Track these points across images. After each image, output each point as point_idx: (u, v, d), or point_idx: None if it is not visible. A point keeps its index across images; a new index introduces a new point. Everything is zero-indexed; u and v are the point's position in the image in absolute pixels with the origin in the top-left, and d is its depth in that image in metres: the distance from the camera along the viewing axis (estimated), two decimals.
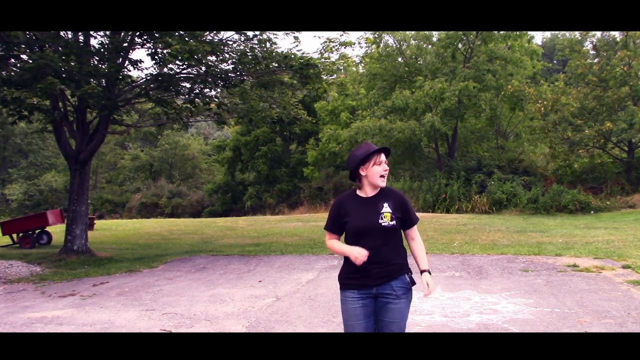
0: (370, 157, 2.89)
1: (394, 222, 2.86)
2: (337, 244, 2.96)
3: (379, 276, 2.83)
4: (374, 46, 23.01)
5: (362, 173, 2.91)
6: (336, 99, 27.46)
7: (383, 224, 2.83)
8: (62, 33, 9.68)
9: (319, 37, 14.61)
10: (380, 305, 2.86)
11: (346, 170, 27.53)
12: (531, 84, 21.82)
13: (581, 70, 19.46)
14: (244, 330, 4.98)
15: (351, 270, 2.86)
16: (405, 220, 2.93)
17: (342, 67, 13.01)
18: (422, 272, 2.92)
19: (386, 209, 2.87)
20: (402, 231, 2.95)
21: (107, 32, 9.88)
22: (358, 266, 2.81)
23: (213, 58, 10.26)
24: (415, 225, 2.97)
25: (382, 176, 2.90)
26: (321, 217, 18.82)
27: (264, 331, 4.91)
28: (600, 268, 7.26)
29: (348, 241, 2.92)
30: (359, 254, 2.78)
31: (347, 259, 2.91)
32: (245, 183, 31.82)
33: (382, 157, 2.91)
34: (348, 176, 3.10)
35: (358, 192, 2.97)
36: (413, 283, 2.91)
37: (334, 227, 2.97)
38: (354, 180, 3.00)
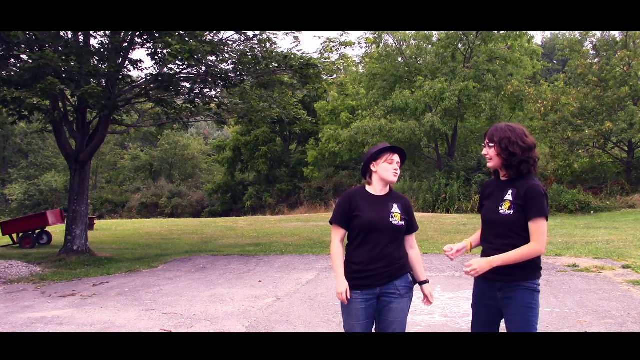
0: (382, 153, 2.91)
1: (402, 223, 2.89)
2: (339, 259, 2.89)
3: (384, 275, 2.83)
4: (374, 46, 23.00)
5: (373, 169, 2.93)
6: (336, 99, 27.45)
7: (393, 222, 2.85)
8: (62, 33, 9.68)
9: (319, 37, 14.62)
10: (383, 305, 2.86)
11: (346, 170, 27.55)
12: (531, 84, 21.80)
13: (581, 70, 19.44)
14: (244, 330, 4.98)
15: (355, 270, 2.86)
16: (409, 225, 2.96)
17: (342, 67, 13.01)
18: (422, 283, 2.96)
19: (396, 209, 2.89)
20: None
21: (107, 32, 9.88)
22: (362, 266, 2.82)
23: (213, 58, 10.26)
24: (414, 234, 3.00)
25: (392, 173, 2.91)
26: (321, 217, 18.81)
27: (264, 331, 4.91)
28: (600, 268, 7.26)
29: (354, 237, 2.90)
30: (342, 292, 2.78)
31: (349, 259, 2.91)
32: (245, 183, 31.82)
33: (396, 157, 2.91)
34: (361, 172, 3.10)
35: (367, 188, 2.97)
36: (415, 282, 2.94)
37: (343, 220, 2.91)
38: (364, 177, 3.01)
